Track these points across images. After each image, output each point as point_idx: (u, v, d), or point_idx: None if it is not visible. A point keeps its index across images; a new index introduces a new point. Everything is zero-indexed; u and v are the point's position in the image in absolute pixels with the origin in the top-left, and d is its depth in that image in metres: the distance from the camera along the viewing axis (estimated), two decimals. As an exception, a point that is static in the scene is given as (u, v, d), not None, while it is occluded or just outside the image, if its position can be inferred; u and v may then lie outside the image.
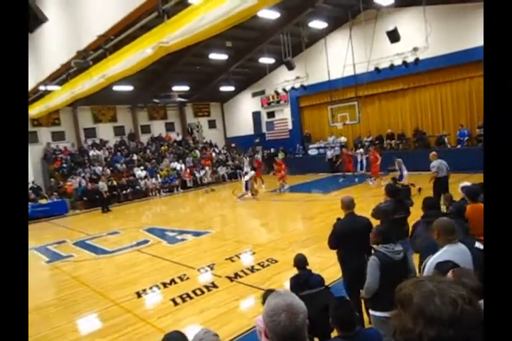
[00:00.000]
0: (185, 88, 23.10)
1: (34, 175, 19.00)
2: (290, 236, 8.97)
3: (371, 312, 3.46)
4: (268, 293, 3.29)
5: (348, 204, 4.32)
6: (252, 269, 6.74)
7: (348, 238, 4.16)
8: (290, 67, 17.79)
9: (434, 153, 9.69)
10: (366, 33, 16.44)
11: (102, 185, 16.96)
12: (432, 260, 2.81)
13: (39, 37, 11.47)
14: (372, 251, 3.64)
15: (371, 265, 3.39)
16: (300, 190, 15.99)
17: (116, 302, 6.06)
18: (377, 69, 16.71)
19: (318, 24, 17.70)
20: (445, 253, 2.82)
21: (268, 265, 6.85)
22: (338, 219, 4.40)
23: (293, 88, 20.51)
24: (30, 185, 17.71)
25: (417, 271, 3.55)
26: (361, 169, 16.46)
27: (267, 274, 6.38)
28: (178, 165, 21.45)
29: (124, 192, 18.70)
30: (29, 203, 16.29)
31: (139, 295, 6.27)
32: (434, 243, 3.07)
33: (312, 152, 21.06)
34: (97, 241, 10.76)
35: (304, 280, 3.53)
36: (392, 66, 16.32)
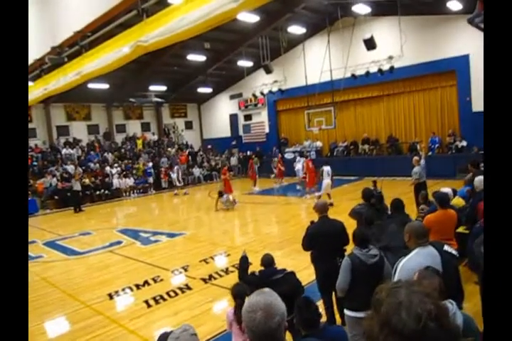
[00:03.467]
0: (163, 88, 22.90)
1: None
2: (265, 238, 9.02)
3: (345, 311, 3.54)
4: (236, 285, 3.37)
5: (322, 208, 4.49)
6: (226, 271, 6.74)
7: (321, 240, 4.29)
8: (268, 70, 17.92)
9: (416, 158, 9.97)
10: (343, 40, 16.74)
11: (75, 184, 16.58)
12: (404, 262, 2.90)
13: (12, 31, 11.14)
14: (346, 253, 3.75)
15: (343, 266, 3.51)
16: (276, 193, 16.09)
17: (87, 304, 5.94)
18: (353, 75, 17.03)
19: (296, 29, 17.92)
20: (416, 255, 2.92)
21: (243, 267, 6.87)
22: (312, 222, 4.56)
23: (270, 92, 20.64)
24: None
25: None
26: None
27: (241, 276, 6.40)
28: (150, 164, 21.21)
29: (98, 192, 18.34)
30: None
31: (110, 296, 6.18)
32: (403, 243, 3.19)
33: (288, 156, 21.23)
34: (68, 242, 10.52)
35: (268, 275, 3.67)
36: (367, 73, 16.68)
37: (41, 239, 11.23)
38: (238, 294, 3.24)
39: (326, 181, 11.77)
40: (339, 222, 4.46)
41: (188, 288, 6.11)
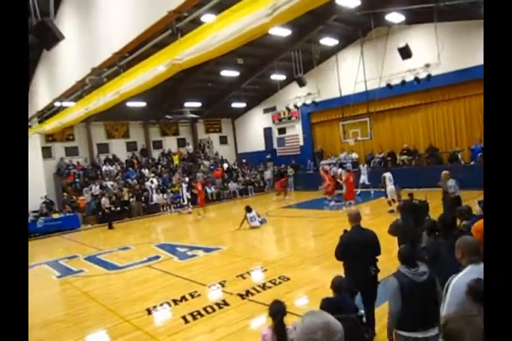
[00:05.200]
0: (197, 104, 23.36)
1: (47, 189, 19.16)
2: (301, 253, 8.85)
3: (398, 331, 3.33)
4: (275, 303, 3.24)
5: (355, 217, 4.50)
6: (263, 287, 6.61)
7: (354, 249, 4.29)
8: (301, 83, 17.92)
9: (446, 172, 9.51)
10: (377, 50, 16.54)
11: (104, 201, 16.90)
12: (456, 280, 2.72)
13: (55, 54, 11.74)
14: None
15: (391, 288, 3.29)
16: (311, 207, 15.86)
17: (126, 319, 5.97)
18: (388, 85, 16.73)
19: (329, 41, 17.87)
20: (469, 273, 2.73)
21: (280, 282, 6.73)
22: (345, 231, 4.55)
23: (304, 104, 20.61)
24: (43, 200, 17.87)
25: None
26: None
27: (279, 292, 6.25)
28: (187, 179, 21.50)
29: (135, 206, 18.73)
30: (41, 217, 16.42)
31: (149, 311, 6.19)
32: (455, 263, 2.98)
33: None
34: (108, 257, 10.72)
35: (336, 306, 3.38)
36: (403, 82, 16.34)
37: (82, 253, 11.52)
38: (278, 312, 3.13)
39: (390, 187, 12.09)
40: (371, 232, 4.47)
41: (225, 303, 6.04)
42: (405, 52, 14.29)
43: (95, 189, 19.14)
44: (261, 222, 12.27)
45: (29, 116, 16.44)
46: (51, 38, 7.43)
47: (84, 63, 10.21)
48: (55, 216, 17.01)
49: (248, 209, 12.31)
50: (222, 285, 6.98)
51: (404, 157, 18.63)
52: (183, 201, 18.75)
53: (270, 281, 6.80)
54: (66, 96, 12.63)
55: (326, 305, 3.25)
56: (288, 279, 6.84)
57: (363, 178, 17.44)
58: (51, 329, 6.08)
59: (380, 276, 4.50)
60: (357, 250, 4.26)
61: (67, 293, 8.23)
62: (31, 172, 18.28)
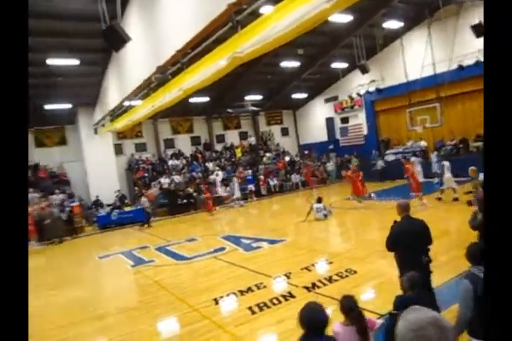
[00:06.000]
0: (258, 97, 23.46)
1: (120, 183, 20.33)
2: (368, 245, 8.57)
3: (471, 339, 2.99)
4: (346, 298, 3.11)
5: (404, 208, 4.47)
6: (329, 279, 6.49)
7: (405, 239, 4.22)
8: (364, 70, 17.31)
9: (473, 168, 8.73)
10: (447, 30, 15.52)
11: (145, 202, 16.66)
12: None
13: (123, 56, 12.30)
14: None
15: (463, 292, 2.93)
16: (377, 198, 15.34)
17: (194, 308, 6.16)
18: (460, 66, 15.65)
19: (393, 24, 17.03)
20: None
21: (347, 276, 6.57)
22: (395, 222, 4.48)
23: (368, 92, 19.93)
24: (116, 194, 18.97)
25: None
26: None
27: (346, 285, 6.11)
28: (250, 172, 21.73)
29: (200, 199, 19.26)
30: (115, 210, 17.45)
31: (216, 302, 6.33)
32: None
33: (389, 158, 20.19)
34: (176, 248, 11.15)
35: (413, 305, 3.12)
36: (477, 62, 15.15)
37: (153, 244, 12.08)
38: (350, 309, 3.01)
39: (447, 175, 11.87)
40: (421, 221, 4.40)
41: (291, 296, 6.01)
42: (480, 30, 13.23)
43: (163, 182, 20.00)
44: (325, 215, 12.03)
45: (101, 116, 17.47)
46: (119, 40, 7.79)
47: (150, 62, 10.59)
48: (127, 209, 17.99)
49: (318, 200, 12.21)
50: (288, 277, 6.96)
51: (478, 143, 17.38)
52: (233, 195, 19.12)
53: (337, 274, 6.67)
54: (134, 95, 13.22)
55: (400, 302, 3.05)
56: (355, 272, 6.67)
57: (436, 167, 16.46)
58: (126, 315, 6.44)
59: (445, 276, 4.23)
60: (408, 240, 4.21)
61: (139, 282, 8.69)
62: (106, 168, 19.54)
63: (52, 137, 20.74)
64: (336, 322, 3.09)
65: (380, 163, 19.95)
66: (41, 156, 19.78)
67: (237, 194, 19.01)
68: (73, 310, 7.00)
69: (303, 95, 24.48)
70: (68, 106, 18.65)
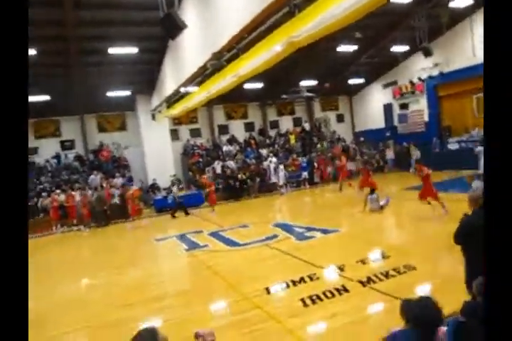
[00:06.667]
0: (313, 82, 22.93)
1: (175, 168, 20.89)
2: (429, 240, 8.11)
3: None
4: (405, 302, 2.87)
5: (475, 200, 4.11)
6: (386, 275, 6.21)
7: (474, 234, 3.81)
8: (427, 53, 16.33)
9: (469, 175, 7.61)
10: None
11: (175, 191, 16.71)
12: None
13: (179, 43, 12.42)
14: None
15: None
16: (438, 189, 14.57)
17: (246, 296, 6.18)
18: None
19: (460, 2, 15.77)
20: None
21: (405, 272, 6.25)
22: (465, 214, 4.15)
23: (430, 76, 18.83)
24: (171, 178, 19.50)
25: None
26: None
27: (403, 282, 5.82)
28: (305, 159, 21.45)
29: (253, 185, 19.35)
30: (171, 194, 17.94)
31: (268, 291, 6.29)
32: None
33: (452, 146, 19.05)
34: (229, 234, 11.26)
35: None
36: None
37: (206, 229, 12.30)
38: (412, 314, 2.75)
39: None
40: None
41: (345, 289, 5.83)
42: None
43: (217, 168, 20.31)
44: (382, 207, 11.56)
45: (158, 103, 17.90)
46: (175, 27, 7.82)
47: (205, 49, 10.61)
48: (182, 193, 18.45)
49: (371, 191, 11.79)
50: (342, 270, 6.77)
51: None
52: (279, 182, 19.08)
53: (394, 269, 6.36)
54: (190, 81, 13.37)
55: (470, 309, 2.76)
56: (414, 269, 6.34)
57: None
58: (181, 298, 6.61)
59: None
60: (477, 236, 3.81)
61: (193, 266, 8.92)
62: (163, 153, 20.13)
63: (113, 122, 21.64)
64: (395, 328, 2.86)
65: (441, 151, 18.92)
66: (103, 140, 20.83)
67: (283, 181, 19.01)
68: (131, 290, 7.29)
69: (360, 80, 23.63)
70: (127, 93, 19.28)
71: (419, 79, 19.54)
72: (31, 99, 17.33)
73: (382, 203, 11.45)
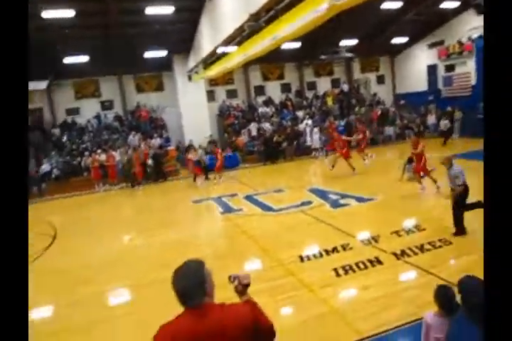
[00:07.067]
0: (354, 42, 21.89)
1: (211, 129, 21.02)
2: (467, 214, 7.92)
3: None
4: (441, 287, 2.85)
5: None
6: (421, 248, 6.19)
7: None
8: (480, 10, 15.12)
9: (448, 156, 6.60)
10: None
11: (202, 154, 16.64)
12: None
13: (216, 2, 12.05)
14: None
15: None
16: (481, 158, 14.04)
17: (281, 263, 6.36)
18: None
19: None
20: None
21: (440, 246, 6.20)
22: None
23: (481, 36, 17.52)
24: (207, 139, 19.66)
25: None
26: None
27: (439, 257, 5.80)
28: (342, 122, 20.99)
29: (288, 148, 19.25)
30: (207, 155, 18.15)
31: (301, 258, 6.44)
32: None
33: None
34: (264, 198, 11.39)
35: None
36: None
37: (241, 192, 12.50)
38: (447, 299, 2.70)
39: None
40: None
41: (379, 261, 5.89)
42: None
43: (252, 130, 20.28)
44: (422, 176, 11.13)
45: (195, 63, 17.73)
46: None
47: (242, 9, 10.26)
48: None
49: (409, 160, 11.46)
50: (376, 241, 6.81)
51: None
52: (314, 145, 18.99)
53: (429, 243, 6.33)
54: (226, 43, 13.09)
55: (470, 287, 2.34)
56: (450, 243, 6.28)
57: None
58: (216, 262, 6.84)
59: None
60: None
61: (228, 230, 9.18)
62: (199, 113, 20.21)
63: (151, 83, 21.74)
64: (429, 313, 2.89)
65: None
66: (141, 101, 21.06)
67: (317, 144, 18.84)
68: (170, 251, 7.57)
69: (403, 39, 22.36)
70: (164, 53, 19.15)
71: (469, 39, 18.27)
72: (72, 60, 17.69)
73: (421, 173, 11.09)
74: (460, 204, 6.51)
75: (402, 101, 23.90)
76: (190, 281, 1.94)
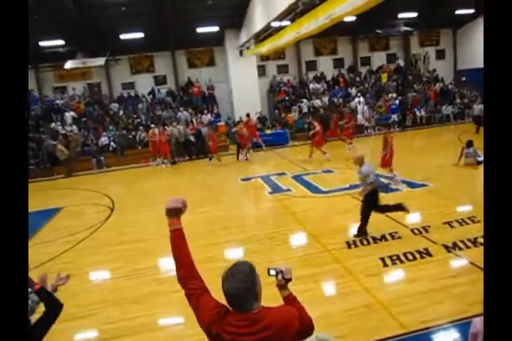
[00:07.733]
0: (413, 14, 20.59)
1: (261, 106, 20.93)
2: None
3: None
4: None
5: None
6: (474, 242, 5.98)
7: None
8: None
9: (360, 156, 6.65)
10: None
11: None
12: None
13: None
14: None
15: None
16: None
17: (327, 248, 6.40)
18: None
19: None
20: None
21: (495, 241, 5.99)
22: None
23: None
24: (257, 115, 19.63)
25: None
26: None
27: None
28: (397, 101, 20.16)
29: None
30: (257, 132, 18.09)
31: (348, 245, 6.44)
32: None
33: None
34: (312, 178, 11.34)
35: None
36: None
37: (290, 171, 12.49)
38: None
39: None
40: None
41: (428, 253, 5.78)
42: None
43: (303, 107, 19.99)
44: (479, 162, 10.46)
45: (246, 39, 17.52)
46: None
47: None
48: (268, 131, 18.67)
49: (467, 144, 10.89)
50: (426, 231, 6.66)
51: None
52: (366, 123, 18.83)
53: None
54: (279, 19, 12.79)
55: None
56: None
57: None
58: (262, 243, 6.99)
59: None
60: None
61: (276, 211, 9.20)
62: (249, 89, 20.12)
63: (202, 58, 21.84)
64: (480, 318, 2.79)
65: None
66: (192, 76, 21.27)
67: (371, 122, 18.55)
68: (217, 230, 7.79)
69: (469, 11, 20.71)
70: (216, 28, 19.05)
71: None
72: (128, 36, 18.08)
73: (480, 159, 10.52)
74: (367, 203, 6.65)
75: (464, 78, 22.45)
76: (242, 285, 1.92)
